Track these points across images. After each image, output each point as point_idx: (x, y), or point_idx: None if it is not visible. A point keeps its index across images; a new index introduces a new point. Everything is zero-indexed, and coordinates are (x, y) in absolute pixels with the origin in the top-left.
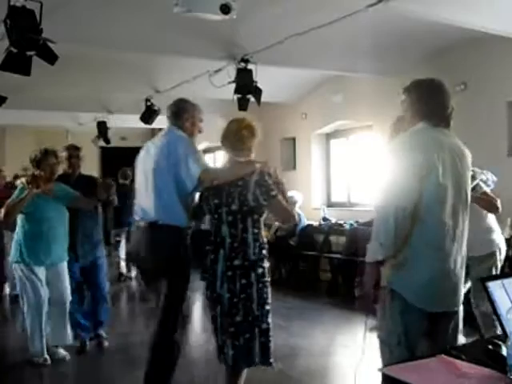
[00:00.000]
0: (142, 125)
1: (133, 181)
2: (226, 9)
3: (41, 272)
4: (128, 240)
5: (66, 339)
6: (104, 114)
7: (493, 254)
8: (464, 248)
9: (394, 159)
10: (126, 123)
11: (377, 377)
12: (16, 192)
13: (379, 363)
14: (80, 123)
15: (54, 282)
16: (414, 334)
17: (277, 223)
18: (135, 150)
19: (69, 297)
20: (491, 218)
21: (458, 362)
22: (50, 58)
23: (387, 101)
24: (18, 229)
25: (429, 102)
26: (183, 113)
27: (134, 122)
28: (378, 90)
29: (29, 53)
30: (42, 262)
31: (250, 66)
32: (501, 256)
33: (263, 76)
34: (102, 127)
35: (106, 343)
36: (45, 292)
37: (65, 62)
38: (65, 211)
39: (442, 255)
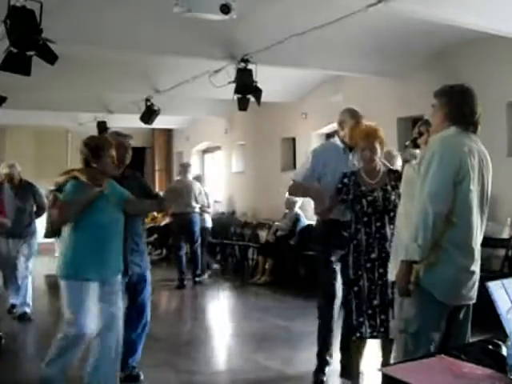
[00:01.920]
0: (142, 125)
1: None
2: (225, 9)
3: (93, 290)
4: None
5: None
6: (104, 113)
7: None
8: (479, 246)
9: (431, 165)
10: (125, 123)
11: (377, 377)
12: (68, 189)
13: (379, 363)
14: (80, 123)
15: (104, 303)
16: (435, 324)
17: (277, 223)
18: (135, 150)
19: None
20: None
21: (458, 361)
22: (50, 58)
23: (387, 101)
24: (66, 238)
25: (460, 107)
26: (341, 124)
27: (134, 122)
28: (378, 90)
29: (29, 53)
30: (96, 278)
31: (250, 66)
32: None
33: (263, 76)
34: (102, 127)
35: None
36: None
37: (65, 62)
38: (121, 215)
39: (467, 255)
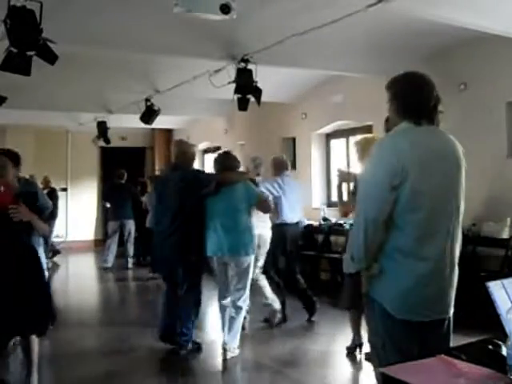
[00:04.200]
0: (142, 125)
1: (128, 180)
2: (226, 9)
3: None
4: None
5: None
6: (104, 113)
7: None
8: (455, 250)
9: (367, 168)
10: (126, 123)
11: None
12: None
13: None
14: (80, 123)
15: None
16: (399, 339)
17: None
18: (135, 150)
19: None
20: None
21: (457, 362)
22: (50, 58)
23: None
24: (247, 223)
25: (407, 98)
26: None
27: (134, 122)
28: (378, 90)
29: (29, 53)
30: None
31: (249, 66)
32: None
33: (263, 76)
34: (102, 127)
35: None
36: None
37: (65, 62)
38: None
39: (423, 263)
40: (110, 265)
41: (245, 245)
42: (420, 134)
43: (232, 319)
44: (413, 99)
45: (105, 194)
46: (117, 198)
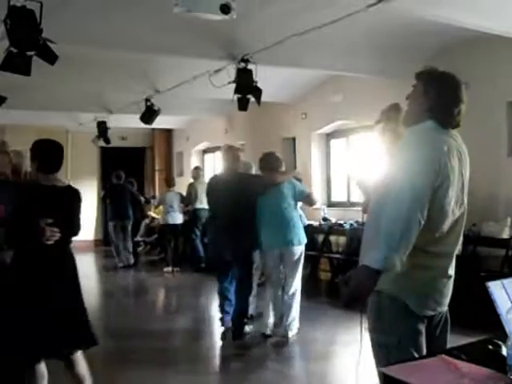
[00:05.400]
0: (141, 125)
1: (126, 181)
2: (226, 9)
3: None
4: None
5: None
6: (104, 114)
7: None
8: (457, 248)
9: (410, 164)
10: (125, 123)
11: (376, 377)
12: None
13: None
14: (80, 123)
15: None
16: (415, 334)
17: None
18: (135, 150)
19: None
20: None
21: (458, 362)
22: (50, 58)
23: (387, 101)
24: (294, 215)
25: (447, 101)
26: None
27: (134, 122)
28: (378, 90)
29: (29, 53)
30: None
31: (250, 66)
32: None
33: (263, 76)
34: (102, 127)
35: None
36: None
37: (65, 62)
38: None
39: (442, 259)
40: (132, 261)
41: (297, 234)
42: (447, 137)
43: (289, 306)
44: (453, 103)
45: (108, 195)
46: (117, 198)
